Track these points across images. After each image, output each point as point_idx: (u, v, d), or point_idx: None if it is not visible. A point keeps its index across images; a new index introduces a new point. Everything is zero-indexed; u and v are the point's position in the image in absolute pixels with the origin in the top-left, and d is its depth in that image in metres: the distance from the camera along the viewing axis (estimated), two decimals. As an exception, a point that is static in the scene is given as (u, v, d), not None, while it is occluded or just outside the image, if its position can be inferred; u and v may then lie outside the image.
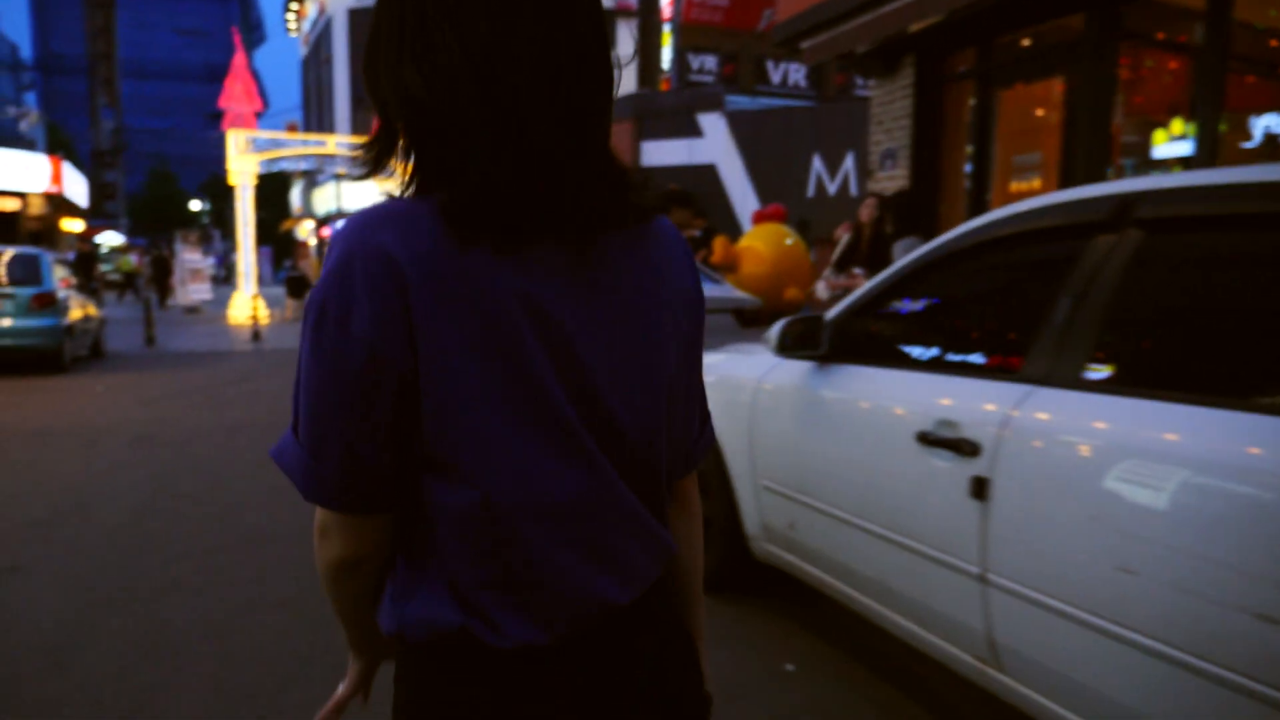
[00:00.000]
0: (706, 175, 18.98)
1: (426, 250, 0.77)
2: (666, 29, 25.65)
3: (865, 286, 2.92)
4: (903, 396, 2.53)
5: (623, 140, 20.42)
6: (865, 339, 2.90)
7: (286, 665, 2.95)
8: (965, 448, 2.19)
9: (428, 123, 0.80)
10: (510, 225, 0.79)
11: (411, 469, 0.84)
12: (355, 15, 36.50)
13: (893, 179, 8.26)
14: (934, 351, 2.73)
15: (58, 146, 39.12)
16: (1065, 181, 6.51)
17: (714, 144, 19.47)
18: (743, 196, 19.01)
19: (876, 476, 2.55)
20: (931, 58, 8.20)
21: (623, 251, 0.87)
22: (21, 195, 25.88)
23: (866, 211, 6.81)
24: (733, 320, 6.65)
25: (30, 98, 60.85)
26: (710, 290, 6.80)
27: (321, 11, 43.46)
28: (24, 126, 35.80)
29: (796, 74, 27.10)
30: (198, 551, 4.09)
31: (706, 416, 1.05)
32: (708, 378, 3.64)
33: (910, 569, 2.41)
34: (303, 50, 58.18)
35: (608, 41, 0.86)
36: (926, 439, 2.33)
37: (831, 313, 2.97)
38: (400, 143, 0.85)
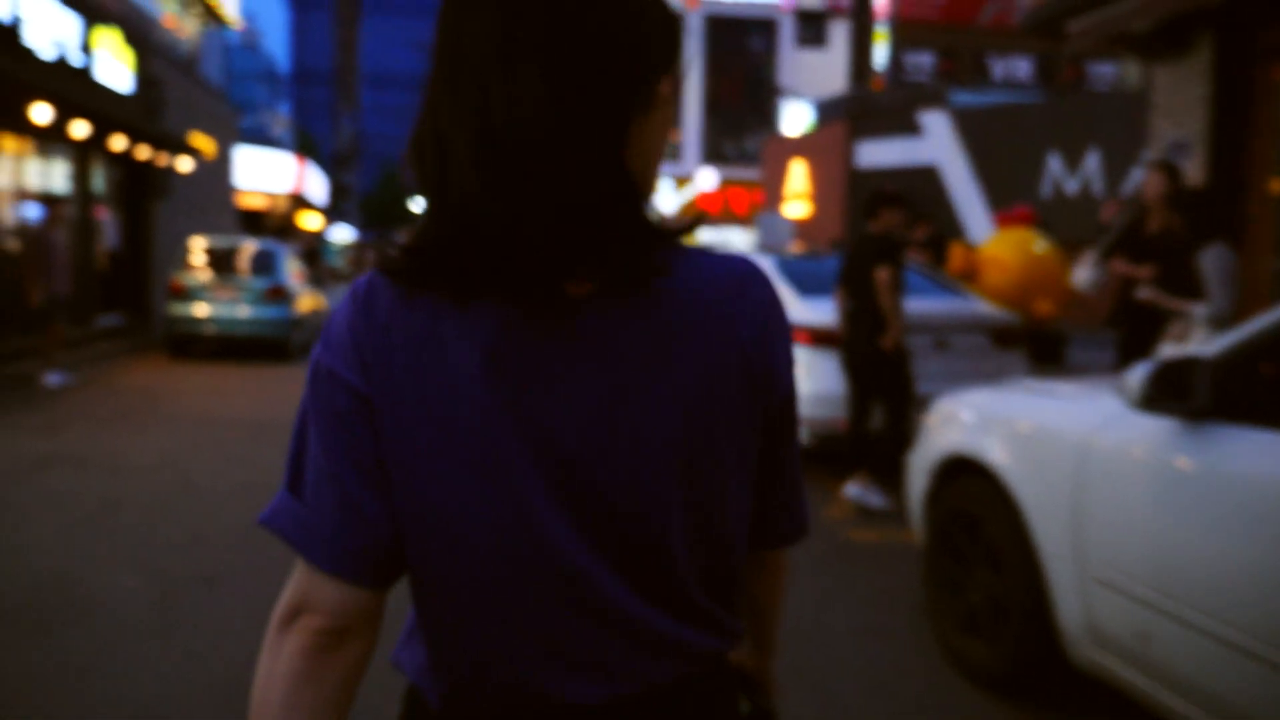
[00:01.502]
0: (926, 177, 17.64)
1: (386, 318, 0.78)
2: (880, 28, 24.54)
3: (1268, 317, 2.07)
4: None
5: (837, 141, 19.44)
6: (1271, 391, 2.05)
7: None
8: None
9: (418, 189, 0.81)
10: (452, 278, 0.76)
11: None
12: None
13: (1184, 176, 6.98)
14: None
15: (303, 149, 42.79)
16: None
17: (935, 143, 18.09)
18: (967, 199, 17.54)
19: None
20: (1235, 32, 6.90)
21: (615, 303, 0.78)
22: (270, 195, 28.31)
23: (1152, 187, 5.20)
24: (985, 341, 5.73)
25: (284, 106, 66.99)
26: (958, 306, 5.94)
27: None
28: (275, 130, 39.39)
29: (1021, 69, 25.07)
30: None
31: (797, 488, 0.94)
32: (991, 419, 2.86)
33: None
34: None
35: (619, 59, 0.75)
36: None
37: (1210, 351, 2.14)
38: None
